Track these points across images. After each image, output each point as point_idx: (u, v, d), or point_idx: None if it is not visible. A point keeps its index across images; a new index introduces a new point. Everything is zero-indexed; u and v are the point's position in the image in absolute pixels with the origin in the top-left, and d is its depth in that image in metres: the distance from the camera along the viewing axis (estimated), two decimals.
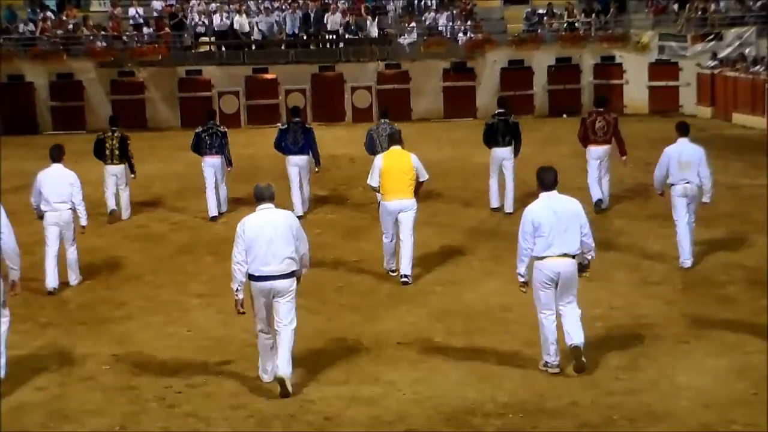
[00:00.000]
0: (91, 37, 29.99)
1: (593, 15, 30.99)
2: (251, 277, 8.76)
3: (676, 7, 30.64)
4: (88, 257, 13.80)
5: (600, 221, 15.17)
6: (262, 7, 31.51)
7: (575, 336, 8.90)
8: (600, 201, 15.70)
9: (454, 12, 31.32)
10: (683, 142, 12.44)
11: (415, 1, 32.59)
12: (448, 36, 30.87)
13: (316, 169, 16.57)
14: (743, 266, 12.27)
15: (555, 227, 8.82)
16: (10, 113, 28.83)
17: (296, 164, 16.10)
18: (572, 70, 29.95)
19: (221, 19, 30.63)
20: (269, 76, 29.75)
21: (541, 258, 8.88)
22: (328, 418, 8.18)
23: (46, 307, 11.41)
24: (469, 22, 31.03)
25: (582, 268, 9.11)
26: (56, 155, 12.44)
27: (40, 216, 12.29)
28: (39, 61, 29.31)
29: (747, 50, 27.62)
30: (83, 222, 12.43)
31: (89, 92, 29.32)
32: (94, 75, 29.42)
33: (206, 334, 10.41)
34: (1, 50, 29.45)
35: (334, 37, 30.72)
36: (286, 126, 16.52)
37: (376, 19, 30.68)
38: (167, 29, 30.76)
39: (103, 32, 30.29)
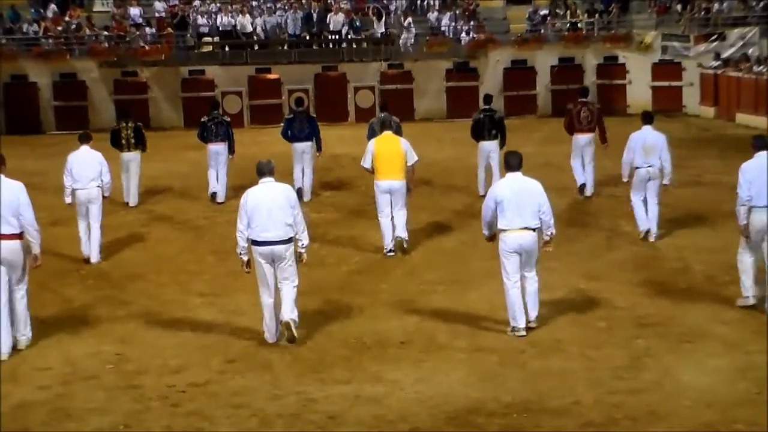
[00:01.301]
0: (94, 37, 30.02)
1: (596, 15, 30.99)
2: (253, 242, 9.81)
3: (679, 7, 30.65)
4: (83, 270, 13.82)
5: (603, 221, 15.18)
6: (264, 7, 31.53)
7: (531, 309, 10.08)
8: (584, 185, 16.83)
9: (457, 12, 31.32)
10: (647, 129, 13.71)
11: (418, 1, 32.61)
12: (451, 36, 30.88)
13: (318, 154, 17.81)
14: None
15: (516, 203, 9.86)
16: (13, 113, 28.90)
17: (301, 150, 17.39)
18: (575, 70, 29.93)
19: (224, 19, 30.63)
20: (272, 76, 29.78)
21: (505, 231, 9.92)
22: (332, 417, 8.18)
23: (50, 306, 11.40)
24: (471, 22, 31.03)
25: (545, 243, 10.12)
26: (84, 138, 13.87)
27: (69, 201, 13.68)
28: (42, 61, 29.34)
29: (750, 50, 27.62)
30: (106, 194, 13.79)
31: (92, 92, 29.35)
32: (97, 75, 29.45)
33: (209, 333, 10.42)
34: (4, 50, 29.49)
35: (337, 37, 30.75)
36: (291, 116, 17.87)
37: (383, 20, 30.63)
38: (170, 29, 30.79)
39: (106, 32, 30.32)
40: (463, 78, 29.43)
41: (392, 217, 13.45)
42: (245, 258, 9.98)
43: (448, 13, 31.27)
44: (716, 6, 29.75)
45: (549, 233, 10.11)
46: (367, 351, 9.78)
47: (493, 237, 10.30)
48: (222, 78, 29.54)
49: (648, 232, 13.74)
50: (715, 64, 28.10)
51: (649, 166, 13.51)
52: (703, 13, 29.76)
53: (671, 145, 13.79)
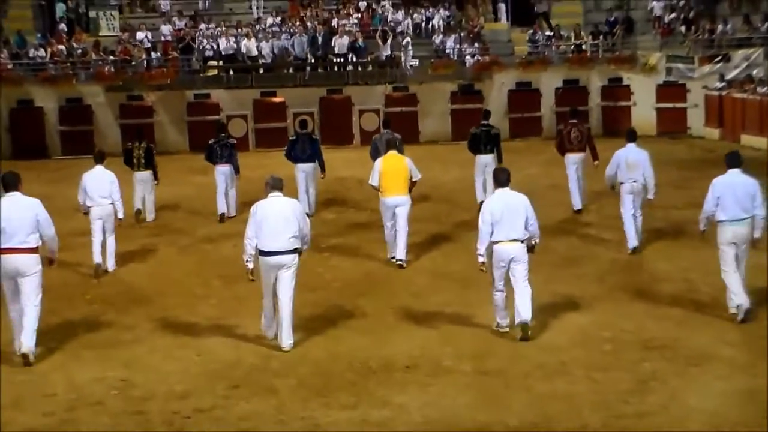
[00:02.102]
0: (100, 62, 30.14)
1: (600, 37, 31.06)
2: (261, 252, 10.45)
3: (683, 28, 30.69)
4: (96, 281, 13.84)
5: (607, 243, 15.15)
6: (269, 31, 31.65)
7: (524, 313, 10.60)
8: (579, 210, 17.59)
9: (462, 34, 31.40)
10: (631, 147, 14.44)
11: (423, 24, 32.73)
12: (456, 58, 30.95)
13: (322, 176, 18.33)
14: (754, 288, 12.20)
15: (507, 216, 10.59)
16: (20, 137, 28.96)
17: (303, 170, 18.01)
18: (580, 91, 29.92)
19: (229, 43, 30.75)
20: (277, 99, 29.83)
21: (497, 242, 10.63)
22: None
23: (54, 331, 11.38)
24: (476, 45, 31.12)
25: (530, 249, 10.82)
26: (99, 158, 14.83)
27: (86, 212, 14.55)
28: (48, 86, 29.42)
29: (755, 71, 27.59)
30: (120, 215, 14.62)
31: (98, 116, 29.41)
32: (103, 99, 29.52)
33: (215, 358, 10.40)
34: (11, 75, 29.62)
35: (342, 60, 30.81)
36: (295, 137, 18.52)
37: (388, 42, 30.72)
38: (175, 53, 30.91)
39: (111, 56, 30.45)
40: (468, 100, 29.41)
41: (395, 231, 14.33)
42: (251, 266, 10.55)
43: (453, 36, 31.36)
44: (720, 27, 29.78)
45: (535, 241, 10.90)
46: (373, 375, 9.76)
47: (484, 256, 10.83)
48: (227, 101, 29.58)
49: (636, 248, 14.38)
50: (720, 85, 28.10)
51: (633, 181, 14.29)
52: (707, 34, 29.80)
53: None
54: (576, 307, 11.83)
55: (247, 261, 10.57)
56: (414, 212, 16.06)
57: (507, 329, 10.87)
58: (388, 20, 32.31)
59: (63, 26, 32.17)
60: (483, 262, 10.78)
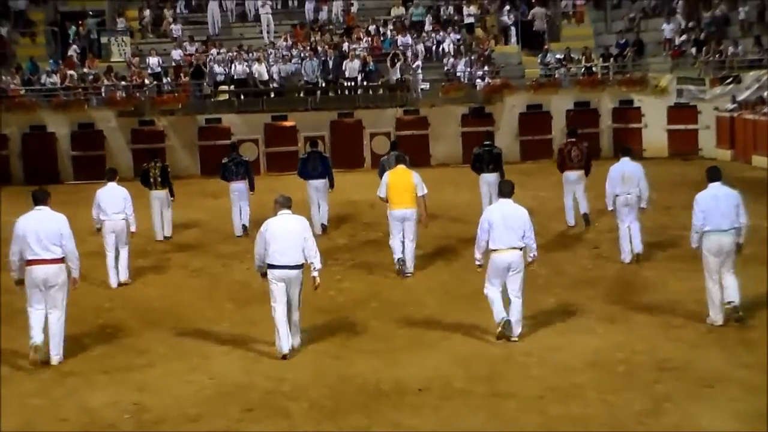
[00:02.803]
0: (112, 87, 30.33)
1: (611, 59, 31.13)
2: (270, 266, 11.11)
3: (693, 50, 30.73)
4: (109, 304, 13.89)
5: (626, 267, 15.14)
6: (280, 55, 31.80)
7: (515, 328, 11.32)
8: (572, 227, 18.25)
9: (472, 57, 31.51)
10: (625, 161, 15.31)
11: (434, 48, 32.84)
12: (467, 81, 31.05)
13: (330, 189, 19.12)
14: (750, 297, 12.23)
15: (505, 226, 11.22)
16: (32, 163, 29.12)
17: (315, 187, 18.80)
18: (591, 114, 29.97)
19: (240, 68, 30.91)
20: (288, 123, 29.94)
21: (495, 251, 11.27)
22: None
23: (67, 355, 11.41)
24: (486, 68, 31.22)
25: (527, 264, 11.45)
26: (111, 176, 15.69)
27: (99, 228, 15.27)
28: (61, 111, 29.62)
29: (766, 93, 27.59)
30: (133, 229, 15.36)
31: (110, 141, 29.56)
32: (114, 124, 29.68)
33: (228, 381, 10.42)
34: (23, 101, 29.82)
35: (353, 83, 30.94)
36: (306, 156, 19.39)
37: (397, 66, 30.83)
38: (186, 78, 31.08)
39: (123, 82, 30.64)
40: (479, 123, 29.34)
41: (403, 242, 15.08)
42: (262, 279, 11.41)
43: (464, 59, 31.47)
44: (731, 49, 29.83)
45: (532, 255, 11.51)
46: (385, 398, 9.76)
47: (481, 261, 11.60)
48: (238, 126, 29.65)
49: (635, 257, 15.17)
50: (731, 106, 28.11)
51: (628, 194, 15.06)
52: (718, 56, 29.83)
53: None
54: (588, 328, 11.82)
55: (258, 269, 11.43)
56: (426, 233, 16.25)
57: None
58: (398, 44, 32.44)
59: (75, 47, 32.43)
60: (480, 264, 11.60)
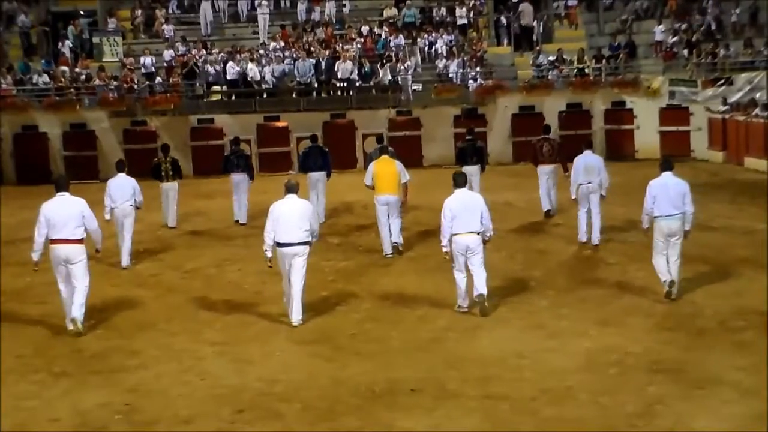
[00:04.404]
0: (104, 87, 30.28)
1: (603, 60, 31.17)
2: (278, 243, 12.34)
3: (686, 52, 30.82)
4: (102, 304, 13.86)
5: (619, 269, 15.17)
6: (273, 56, 31.78)
7: (480, 288, 12.54)
8: (549, 211, 19.69)
9: (465, 59, 31.54)
10: (587, 153, 16.88)
11: (426, 49, 32.86)
12: (459, 82, 31.07)
13: (327, 179, 20.32)
14: (760, 311, 12.22)
15: (464, 212, 12.52)
16: (24, 163, 29.13)
17: (316, 179, 20.02)
18: (583, 115, 30.03)
19: (233, 68, 30.86)
20: (281, 124, 29.96)
21: (456, 234, 12.52)
22: None
23: (60, 357, 11.40)
24: (479, 69, 31.26)
25: (484, 241, 12.70)
26: (121, 166, 17.24)
27: (109, 219, 16.48)
28: (53, 112, 29.60)
29: (758, 95, 27.69)
30: (139, 205, 16.93)
31: (102, 142, 29.56)
32: (107, 124, 29.69)
33: (220, 383, 10.40)
34: (15, 101, 29.77)
35: (345, 84, 30.94)
36: (307, 150, 20.56)
37: (390, 67, 30.83)
38: (179, 79, 31.04)
39: (115, 82, 30.59)
40: (472, 124, 29.26)
41: (389, 225, 16.50)
42: (269, 254, 12.40)
43: (456, 60, 31.50)
44: (723, 51, 29.91)
45: (488, 235, 12.74)
46: (378, 399, 9.75)
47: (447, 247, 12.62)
48: (231, 126, 29.60)
49: (585, 243, 16.78)
50: (723, 108, 28.18)
51: (589, 183, 16.61)
52: (710, 58, 29.91)
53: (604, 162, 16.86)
54: (581, 330, 11.83)
55: (266, 250, 12.42)
56: (417, 236, 16.20)
57: (466, 309, 12.75)
58: (391, 45, 32.45)
59: (68, 43, 32.35)
60: (447, 252, 12.63)
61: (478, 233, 12.58)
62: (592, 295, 13.59)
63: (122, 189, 16.74)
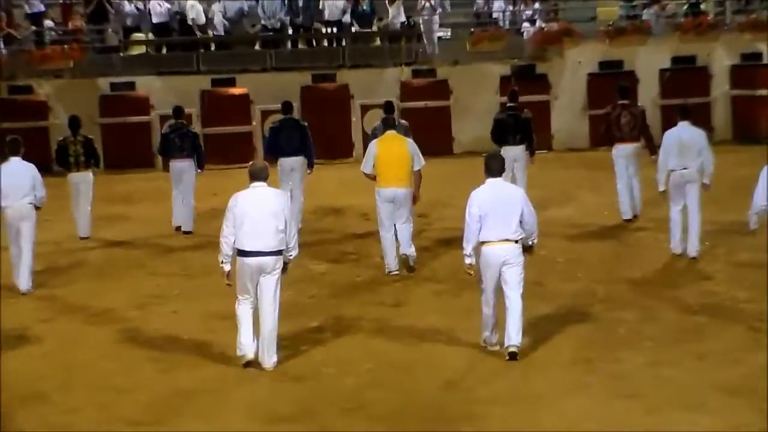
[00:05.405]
0: None
1: None
2: (239, 252, 12.64)
3: None
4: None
5: (735, 294, 15.21)
6: None
7: (514, 337, 12.76)
8: (629, 219, 20.28)
9: None
10: (683, 126, 17.36)
11: None
12: (508, 27, 31.08)
13: (309, 171, 20.76)
14: None
15: (497, 211, 12.68)
16: None
17: (290, 166, 20.38)
18: (697, 75, 30.13)
19: (163, 7, 30.79)
20: (237, 90, 30.03)
21: (485, 243, 12.72)
22: None
23: None
24: (537, 5, 31.26)
25: (526, 249, 12.97)
26: (15, 149, 17.25)
27: None
28: None
29: None
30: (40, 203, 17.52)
31: None
32: None
33: None
34: None
35: (335, 30, 30.89)
36: (277, 124, 20.96)
37: (399, 2, 30.83)
38: (81, 22, 31.02)
39: None
40: (527, 89, 29.11)
41: (395, 231, 16.84)
42: (227, 268, 12.81)
43: None
44: None
45: (532, 241, 13.06)
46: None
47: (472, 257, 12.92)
48: (161, 94, 29.73)
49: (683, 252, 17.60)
50: None
51: (684, 168, 17.05)
52: None
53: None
54: (696, 401, 11.80)
55: (222, 262, 12.81)
56: (438, 246, 16.28)
57: (496, 347, 13.11)
58: None
59: None
60: (470, 264, 12.88)
61: (516, 241, 12.76)
62: (706, 343, 13.53)
63: (17, 180, 16.87)
